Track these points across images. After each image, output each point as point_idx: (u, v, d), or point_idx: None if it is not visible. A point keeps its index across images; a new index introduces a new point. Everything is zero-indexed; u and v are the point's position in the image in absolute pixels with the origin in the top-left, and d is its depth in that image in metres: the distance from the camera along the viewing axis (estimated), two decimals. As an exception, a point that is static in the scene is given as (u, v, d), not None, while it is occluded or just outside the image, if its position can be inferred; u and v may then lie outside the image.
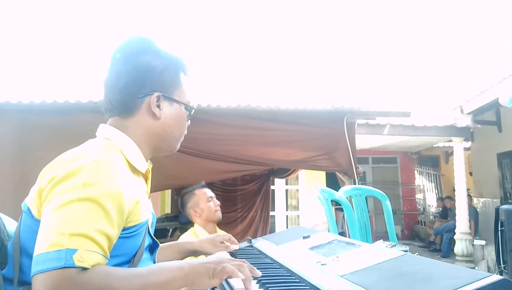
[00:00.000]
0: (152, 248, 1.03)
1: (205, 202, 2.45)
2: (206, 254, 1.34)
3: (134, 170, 0.92)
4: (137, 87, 0.94)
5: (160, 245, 1.25)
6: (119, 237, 0.82)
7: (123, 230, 0.84)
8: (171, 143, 1.02)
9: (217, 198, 2.55)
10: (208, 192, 2.51)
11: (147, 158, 0.99)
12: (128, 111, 0.95)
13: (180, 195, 2.55)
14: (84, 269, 0.71)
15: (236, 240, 1.43)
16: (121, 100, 0.94)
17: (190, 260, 0.90)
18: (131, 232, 0.86)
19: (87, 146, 0.89)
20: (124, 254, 0.87)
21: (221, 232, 2.26)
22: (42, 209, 0.79)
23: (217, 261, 0.86)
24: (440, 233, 8.01)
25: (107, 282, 0.73)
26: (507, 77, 5.13)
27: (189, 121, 1.06)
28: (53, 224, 0.73)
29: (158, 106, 0.96)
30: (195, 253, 1.36)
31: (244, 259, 0.92)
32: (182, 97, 1.00)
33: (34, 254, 0.72)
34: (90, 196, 0.76)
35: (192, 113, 1.04)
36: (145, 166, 0.97)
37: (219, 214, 2.47)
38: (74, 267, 0.70)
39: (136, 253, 0.90)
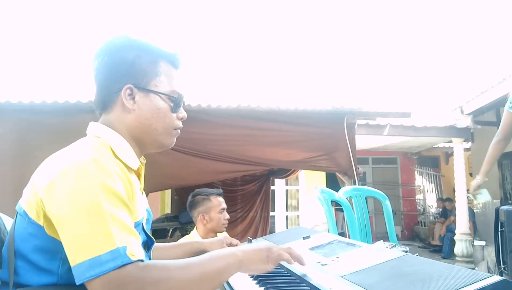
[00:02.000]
0: (148, 245, 1.02)
1: (216, 212, 2.37)
2: None
3: (125, 166, 0.90)
4: (110, 83, 0.94)
5: (169, 244, 1.25)
6: None
7: None
8: (155, 137, 0.96)
9: None
10: (223, 203, 2.43)
11: (137, 154, 0.97)
12: (107, 107, 0.96)
13: (192, 194, 2.46)
14: (141, 261, 0.73)
15: (239, 242, 1.43)
16: (100, 98, 0.96)
17: (242, 247, 0.95)
18: None
19: (77, 146, 0.88)
20: None
21: (220, 235, 2.24)
22: (53, 217, 0.77)
23: (267, 247, 0.91)
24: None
25: (166, 273, 0.75)
26: (507, 77, 5.13)
27: (183, 113, 1.00)
28: (91, 227, 0.72)
29: (133, 99, 0.93)
30: (204, 253, 1.35)
31: (290, 247, 0.97)
32: (161, 87, 0.95)
33: (78, 261, 0.71)
34: (112, 189, 0.77)
35: (178, 103, 0.97)
36: (136, 162, 0.95)
37: (224, 228, 2.41)
38: (131, 262, 0.71)
39: None
